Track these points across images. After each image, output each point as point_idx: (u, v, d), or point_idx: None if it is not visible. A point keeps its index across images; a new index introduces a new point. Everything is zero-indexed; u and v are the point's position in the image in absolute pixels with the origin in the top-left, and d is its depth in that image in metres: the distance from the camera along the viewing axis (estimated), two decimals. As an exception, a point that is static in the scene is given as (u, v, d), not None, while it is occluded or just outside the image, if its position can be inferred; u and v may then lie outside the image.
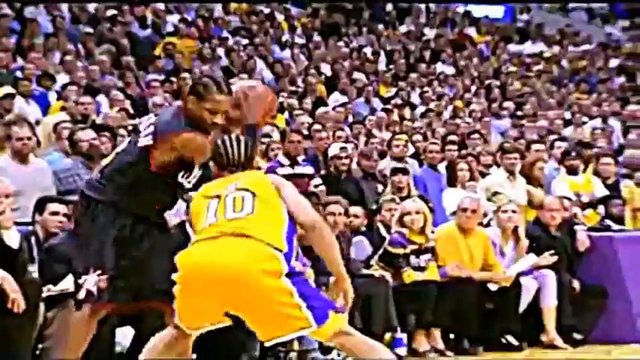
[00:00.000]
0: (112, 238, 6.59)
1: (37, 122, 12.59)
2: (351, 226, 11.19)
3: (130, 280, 6.57)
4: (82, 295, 6.43)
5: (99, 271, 6.48)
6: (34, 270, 8.39)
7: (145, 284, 6.61)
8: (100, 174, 6.91)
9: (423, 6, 28.85)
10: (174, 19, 21.64)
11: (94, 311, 6.56)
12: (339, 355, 9.83)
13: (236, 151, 6.21)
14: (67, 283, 8.37)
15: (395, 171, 12.82)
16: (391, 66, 23.23)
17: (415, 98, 21.09)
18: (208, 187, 6.22)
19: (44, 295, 8.21)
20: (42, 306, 8.16)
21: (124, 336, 8.73)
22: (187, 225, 9.58)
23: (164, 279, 6.13)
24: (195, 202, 6.14)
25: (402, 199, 11.78)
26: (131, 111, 14.88)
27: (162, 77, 17.80)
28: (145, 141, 6.65)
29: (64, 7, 19.67)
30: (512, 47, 27.56)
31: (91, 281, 6.42)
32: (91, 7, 20.32)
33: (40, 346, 8.30)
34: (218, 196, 6.06)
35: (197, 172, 6.70)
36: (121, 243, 6.61)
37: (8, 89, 13.96)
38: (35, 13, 19.03)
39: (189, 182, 6.70)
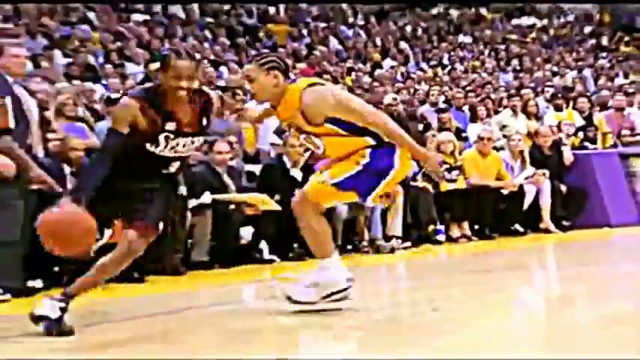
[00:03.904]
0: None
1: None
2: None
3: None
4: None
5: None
6: (184, 189, 8.48)
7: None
8: None
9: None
10: (272, 9, 21.56)
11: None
12: (398, 240, 9.90)
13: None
14: (205, 198, 8.49)
15: (439, 111, 12.86)
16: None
17: (445, 60, 20.89)
18: None
19: (190, 206, 8.33)
20: (189, 214, 8.29)
21: (247, 232, 8.84)
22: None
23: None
24: None
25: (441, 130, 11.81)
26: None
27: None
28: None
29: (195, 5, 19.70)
30: (514, 21, 27.14)
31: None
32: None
33: (189, 241, 8.46)
34: None
35: (174, 141, 4.96)
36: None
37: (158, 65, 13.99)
38: (174, 9, 19.10)
39: (160, 151, 4.94)
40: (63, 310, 4.79)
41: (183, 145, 5.00)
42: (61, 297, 4.83)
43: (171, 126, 4.93)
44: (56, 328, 4.74)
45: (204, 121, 5.09)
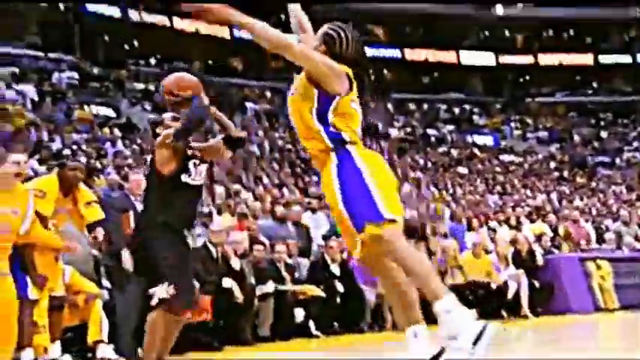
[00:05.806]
0: (175, 254, 4.01)
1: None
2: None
3: (190, 289, 4.12)
4: (154, 302, 3.93)
5: (167, 282, 3.92)
6: (252, 279, 8.30)
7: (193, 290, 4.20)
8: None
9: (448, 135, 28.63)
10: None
11: (176, 318, 4.02)
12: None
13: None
14: (268, 287, 8.35)
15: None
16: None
17: (449, 186, 20.67)
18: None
19: (257, 293, 8.16)
20: (256, 300, 8.12)
21: (299, 313, 8.56)
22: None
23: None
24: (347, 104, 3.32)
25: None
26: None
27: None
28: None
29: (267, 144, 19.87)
30: (501, 157, 27.26)
31: (162, 291, 3.91)
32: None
33: (256, 320, 8.30)
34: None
35: (201, 169, 4.15)
36: (182, 259, 4.04)
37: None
38: (251, 148, 19.37)
39: (193, 180, 4.10)
40: None
41: (201, 174, 4.16)
42: None
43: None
44: None
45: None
